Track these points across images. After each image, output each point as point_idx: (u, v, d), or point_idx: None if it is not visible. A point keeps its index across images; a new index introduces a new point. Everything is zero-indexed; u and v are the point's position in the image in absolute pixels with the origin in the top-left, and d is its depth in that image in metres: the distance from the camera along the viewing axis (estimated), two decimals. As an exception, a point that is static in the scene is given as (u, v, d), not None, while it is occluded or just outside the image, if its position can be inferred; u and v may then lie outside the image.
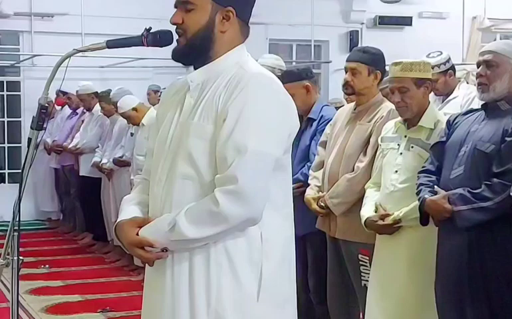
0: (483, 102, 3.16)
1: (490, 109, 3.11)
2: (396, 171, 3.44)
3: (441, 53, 4.78)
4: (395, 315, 3.43)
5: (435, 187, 3.12)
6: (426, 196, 3.10)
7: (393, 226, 3.40)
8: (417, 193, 3.19)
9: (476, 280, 3.00)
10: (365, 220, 3.50)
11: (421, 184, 3.18)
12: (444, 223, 3.08)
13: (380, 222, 3.43)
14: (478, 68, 3.16)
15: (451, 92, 4.82)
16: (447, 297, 3.12)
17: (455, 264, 3.06)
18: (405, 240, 3.40)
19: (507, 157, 2.94)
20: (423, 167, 3.27)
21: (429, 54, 4.71)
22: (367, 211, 3.52)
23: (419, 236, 3.35)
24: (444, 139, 3.24)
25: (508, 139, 2.95)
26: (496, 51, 3.10)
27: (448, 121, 3.30)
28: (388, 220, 3.40)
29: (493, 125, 3.04)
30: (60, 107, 9.08)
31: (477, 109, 3.25)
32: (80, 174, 8.04)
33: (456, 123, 3.24)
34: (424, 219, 3.20)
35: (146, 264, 2.20)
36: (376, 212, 3.49)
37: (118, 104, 6.59)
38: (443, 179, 3.14)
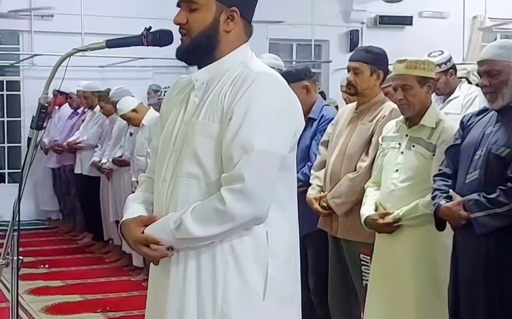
0: None
1: (503, 110, 3.06)
2: (397, 170, 3.43)
3: (443, 52, 4.77)
4: (395, 314, 3.42)
5: (450, 191, 3.10)
6: (441, 202, 3.08)
7: (393, 225, 3.39)
8: (433, 198, 3.16)
9: (491, 285, 2.97)
10: (365, 219, 3.49)
11: (437, 189, 3.15)
12: (461, 228, 3.06)
13: (380, 220, 3.42)
14: (480, 77, 3.12)
15: (452, 92, 4.81)
16: (462, 301, 3.09)
17: (472, 268, 3.03)
18: (405, 239, 3.40)
19: None
20: (439, 170, 3.23)
21: (431, 53, 4.70)
22: (367, 210, 3.51)
23: (419, 235, 3.35)
24: (459, 141, 3.20)
25: None
26: (493, 59, 3.05)
27: (462, 122, 3.25)
28: (388, 219, 3.40)
29: (507, 128, 3.00)
30: (57, 107, 9.07)
31: (489, 109, 3.18)
32: (76, 172, 8.07)
33: (470, 124, 3.20)
34: (440, 225, 3.17)
35: (151, 263, 2.20)
36: (376, 211, 3.49)
37: (118, 106, 6.59)
38: (458, 183, 3.10)
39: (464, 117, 3.30)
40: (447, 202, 3.07)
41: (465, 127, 3.22)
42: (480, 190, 2.98)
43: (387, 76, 3.90)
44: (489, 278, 2.98)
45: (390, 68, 3.94)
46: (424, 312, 3.35)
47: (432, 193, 3.18)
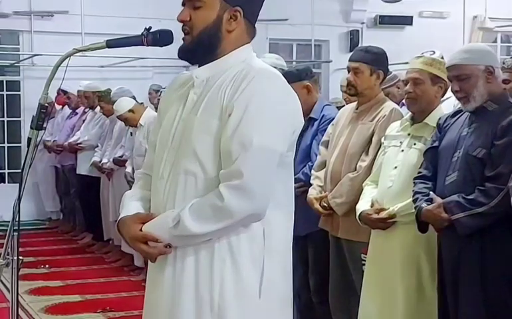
0: None
1: (477, 111, 3.12)
2: (396, 167, 3.44)
3: (434, 52, 4.75)
4: (389, 311, 3.42)
5: (431, 193, 3.13)
6: (423, 205, 3.11)
7: (388, 221, 3.39)
8: (414, 201, 3.19)
9: (475, 284, 3.00)
10: (359, 214, 3.50)
11: (418, 192, 3.19)
12: (443, 230, 3.09)
13: (374, 216, 3.43)
14: (451, 83, 3.18)
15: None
16: (448, 301, 3.12)
17: (455, 269, 3.06)
18: (400, 236, 3.40)
19: (498, 160, 2.95)
20: (418, 172, 3.27)
21: (423, 53, 4.68)
22: (362, 206, 3.53)
23: (414, 232, 3.35)
24: (437, 143, 3.24)
25: (497, 142, 2.97)
26: (461, 64, 3.11)
27: (438, 125, 3.30)
28: (383, 215, 3.40)
29: (482, 129, 3.05)
30: (60, 106, 9.08)
31: (463, 110, 3.23)
32: (77, 172, 8.06)
33: (446, 126, 3.25)
34: (422, 227, 3.20)
35: (149, 261, 2.20)
36: (371, 207, 3.49)
37: (114, 107, 6.60)
38: (438, 185, 3.15)
39: (440, 119, 3.34)
40: (428, 205, 3.10)
41: (441, 129, 3.27)
42: (459, 191, 3.02)
43: (387, 76, 3.90)
44: (472, 278, 3.01)
45: (390, 68, 3.94)
46: (417, 310, 3.35)
47: (413, 196, 3.21)
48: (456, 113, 3.28)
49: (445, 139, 3.21)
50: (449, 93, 4.76)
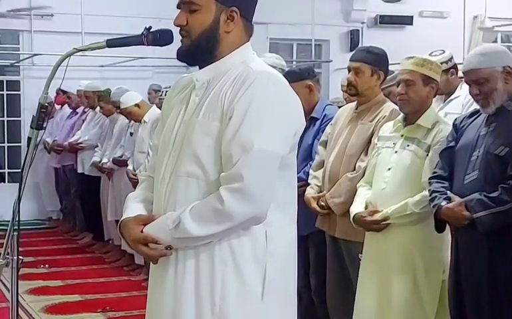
0: None
1: (496, 110, 3.09)
2: (389, 169, 3.44)
3: (444, 51, 4.75)
4: (385, 312, 3.42)
5: (448, 192, 3.12)
6: (442, 203, 3.09)
7: (381, 224, 3.40)
8: (432, 200, 3.17)
9: (496, 282, 2.99)
10: (353, 216, 3.50)
11: (435, 191, 3.17)
12: (460, 229, 3.08)
13: (368, 218, 3.43)
14: (469, 86, 3.16)
15: (453, 91, 4.79)
16: (466, 301, 3.11)
17: (475, 267, 3.05)
18: (394, 238, 3.40)
19: None
20: (434, 172, 3.25)
21: (432, 52, 4.68)
22: (356, 207, 3.53)
23: (408, 234, 3.36)
24: (453, 143, 3.22)
25: None
26: (478, 68, 3.09)
27: (455, 125, 3.28)
28: (376, 217, 3.40)
29: (503, 128, 3.04)
30: (59, 106, 9.07)
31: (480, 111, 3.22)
32: (79, 171, 8.06)
33: (463, 126, 3.23)
34: (439, 226, 3.18)
35: (150, 262, 2.20)
36: (366, 209, 3.49)
37: (121, 99, 6.57)
38: (456, 184, 3.13)
39: (456, 119, 3.33)
40: (448, 203, 3.08)
41: (458, 129, 3.26)
42: (480, 189, 3.00)
43: (389, 76, 3.90)
44: (493, 277, 3.00)
45: (391, 68, 3.93)
46: (413, 310, 3.35)
47: (430, 195, 3.20)
48: (473, 114, 3.27)
49: (462, 139, 3.19)
50: (457, 92, 4.78)
